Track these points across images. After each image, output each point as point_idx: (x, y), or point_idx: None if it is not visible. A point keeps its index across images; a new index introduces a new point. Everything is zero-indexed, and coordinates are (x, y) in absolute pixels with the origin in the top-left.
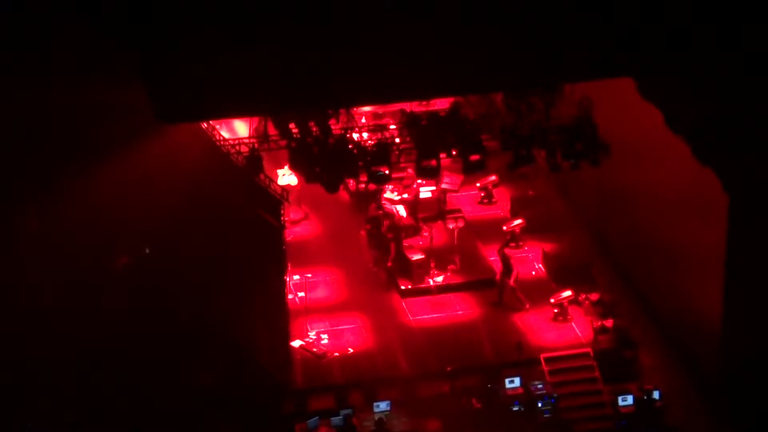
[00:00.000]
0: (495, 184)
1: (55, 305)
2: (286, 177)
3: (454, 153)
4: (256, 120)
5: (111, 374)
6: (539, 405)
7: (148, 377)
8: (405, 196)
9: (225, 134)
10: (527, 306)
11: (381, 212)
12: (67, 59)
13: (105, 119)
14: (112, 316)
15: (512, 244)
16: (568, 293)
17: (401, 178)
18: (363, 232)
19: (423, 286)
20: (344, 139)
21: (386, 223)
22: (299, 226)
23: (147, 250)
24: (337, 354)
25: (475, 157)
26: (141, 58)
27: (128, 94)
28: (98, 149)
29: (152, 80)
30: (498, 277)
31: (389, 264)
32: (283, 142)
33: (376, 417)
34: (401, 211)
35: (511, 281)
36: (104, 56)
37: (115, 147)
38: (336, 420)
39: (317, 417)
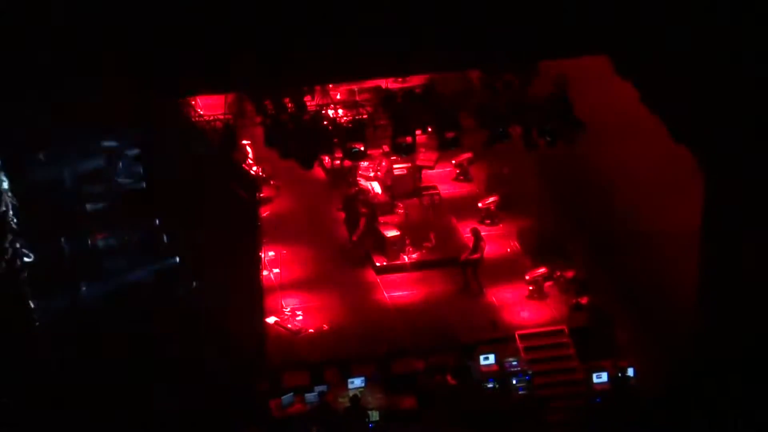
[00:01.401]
0: (470, 161)
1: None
2: None
3: (429, 130)
4: (231, 96)
5: (81, 349)
6: (514, 382)
7: (120, 353)
8: (379, 173)
9: (200, 110)
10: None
11: (355, 189)
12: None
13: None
14: (83, 293)
15: (487, 221)
16: (543, 270)
17: (375, 155)
18: (340, 211)
19: (398, 262)
20: (319, 116)
21: (362, 199)
22: (272, 203)
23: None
24: (311, 330)
25: (450, 134)
26: (120, 35)
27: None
28: (73, 126)
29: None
30: (462, 257)
31: (354, 239)
32: (258, 119)
33: (351, 393)
34: (376, 188)
35: (463, 257)
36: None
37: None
38: (310, 396)
39: (292, 393)
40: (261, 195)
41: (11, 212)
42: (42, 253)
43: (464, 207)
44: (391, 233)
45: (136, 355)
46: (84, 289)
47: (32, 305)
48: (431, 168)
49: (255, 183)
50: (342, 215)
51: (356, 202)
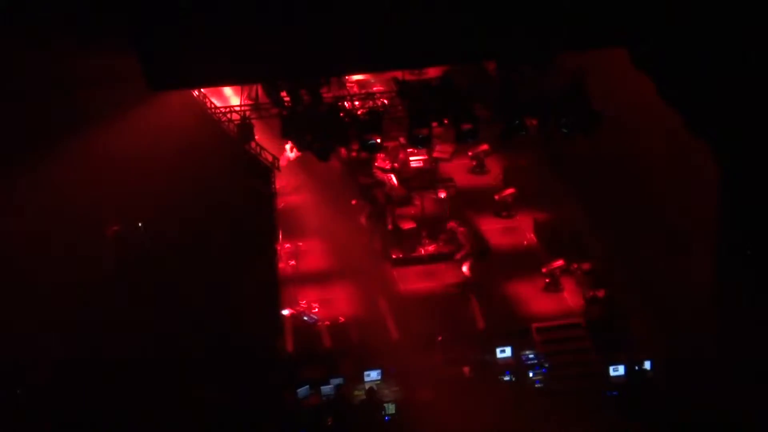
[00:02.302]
0: (487, 154)
1: (45, 273)
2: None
3: (446, 122)
4: (247, 88)
5: (98, 347)
6: (530, 375)
7: (138, 349)
8: (396, 165)
9: (216, 102)
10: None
11: (371, 181)
12: (58, 27)
13: (96, 86)
14: (101, 286)
15: (504, 213)
16: (559, 263)
17: (391, 147)
18: (355, 201)
19: (414, 255)
20: (336, 108)
21: (378, 191)
22: (291, 195)
23: (140, 224)
24: (328, 322)
25: (467, 126)
26: (132, 25)
27: (120, 62)
28: (89, 117)
29: (143, 47)
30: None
31: (390, 227)
32: (275, 110)
33: (367, 386)
34: (392, 179)
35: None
36: (95, 23)
37: (106, 115)
38: (326, 389)
39: (308, 386)
40: (277, 187)
41: None
42: None
43: (480, 199)
44: (408, 225)
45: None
46: None
47: None
48: (447, 160)
49: (271, 175)
50: (359, 207)
51: (372, 192)
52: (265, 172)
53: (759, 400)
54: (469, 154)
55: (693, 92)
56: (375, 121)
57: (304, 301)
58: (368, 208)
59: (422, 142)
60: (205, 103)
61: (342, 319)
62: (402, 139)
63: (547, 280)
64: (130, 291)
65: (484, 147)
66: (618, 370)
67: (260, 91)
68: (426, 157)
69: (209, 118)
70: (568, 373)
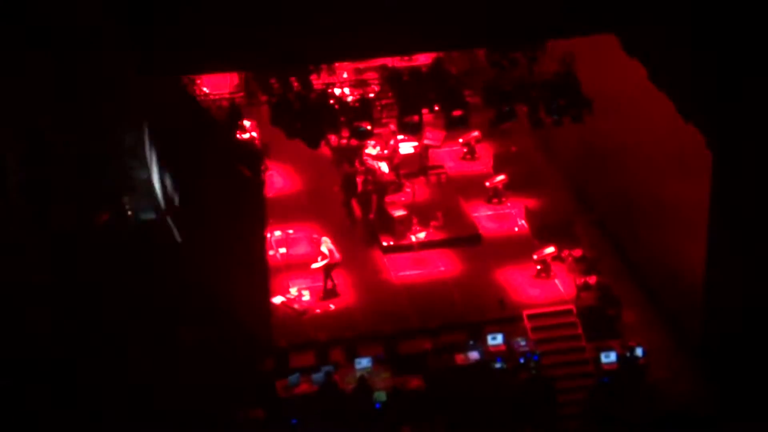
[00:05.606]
0: (477, 140)
1: (34, 257)
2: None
3: (436, 109)
4: (237, 75)
5: (87, 332)
6: (521, 362)
7: (128, 334)
8: (386, 152)
9: (206, 89)
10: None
11: (362, 168)
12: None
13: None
14: (89, 272)
15: (495, 200)
16: (551, 250)
17: (381, 135)
18: (336, 188)
19: (405, 242)
20: (325, 95)
21: (369, 178)
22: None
23: (129, 212)
24: (318, 310)
25: (457, 113)
26: (124, 11)
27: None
28: (77, 102)
29: (134, 34)
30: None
31: (371, 216)
32: (264, 98)
33: (358, 374)
34: (383, 167)
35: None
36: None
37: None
38: (317, 377)
39: (298, 374)
40: (266, 173)
41: None
42: None
43: (471, 186)
44: (398, 212)
45: (140, 337)
46: None
47: None
48: (438, 147)
49: (260, 161)
50: (341, 195)
51: (355, 181)
52: (254, 158)
53: (743, 386)
54: (460, 140)
55: (684, 77)
56: (365, 108)
57: (294, 289)
58: (351, 195)
59: (412, 129)
60: (195, 89)
61: (332, 307)
62: (392, 126)
63: (538, 267)
64: (118, 278)
65: (475, 133)
66: (610, 357)
67: (250, 79)
68: (416, 143)
69: (198, 105)
70: (560, 360)
